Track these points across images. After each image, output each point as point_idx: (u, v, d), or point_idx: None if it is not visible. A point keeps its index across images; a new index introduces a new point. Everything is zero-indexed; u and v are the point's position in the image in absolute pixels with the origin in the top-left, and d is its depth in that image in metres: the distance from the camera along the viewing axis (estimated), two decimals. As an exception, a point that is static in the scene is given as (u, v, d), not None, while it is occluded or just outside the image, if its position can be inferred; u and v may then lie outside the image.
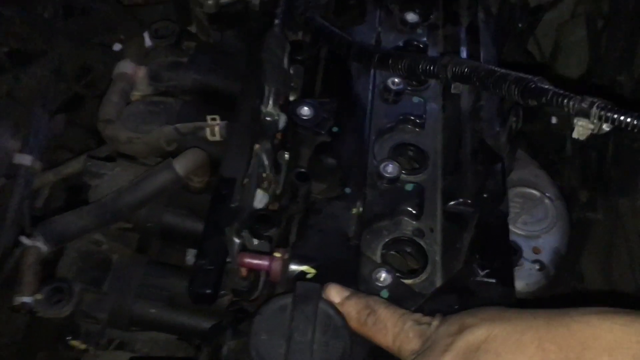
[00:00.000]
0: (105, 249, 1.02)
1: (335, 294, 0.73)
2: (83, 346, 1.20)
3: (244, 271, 0.90)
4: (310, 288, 0.74)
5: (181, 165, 1.01)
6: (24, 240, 0.95)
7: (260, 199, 0.97)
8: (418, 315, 0.68)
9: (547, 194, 1.17)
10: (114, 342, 1.19)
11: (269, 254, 0.85)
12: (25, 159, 1.17)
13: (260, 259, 0.84)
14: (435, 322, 0.65)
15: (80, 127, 1.44)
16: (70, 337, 1.19)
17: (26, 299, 0.91)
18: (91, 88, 1.41)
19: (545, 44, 1.69)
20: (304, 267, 0.81)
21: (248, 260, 0.85)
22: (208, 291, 0.87)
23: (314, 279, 0.80)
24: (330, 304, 0.73)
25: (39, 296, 0.92)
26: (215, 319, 0.97)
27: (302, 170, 0.93)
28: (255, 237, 0.90)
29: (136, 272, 1.00)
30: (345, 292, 0.73)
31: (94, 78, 1.39)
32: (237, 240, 0.90)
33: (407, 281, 0.84)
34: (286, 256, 0.83)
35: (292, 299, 0.73)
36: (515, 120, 0.89)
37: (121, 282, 0.99)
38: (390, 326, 0.68)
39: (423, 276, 0.84)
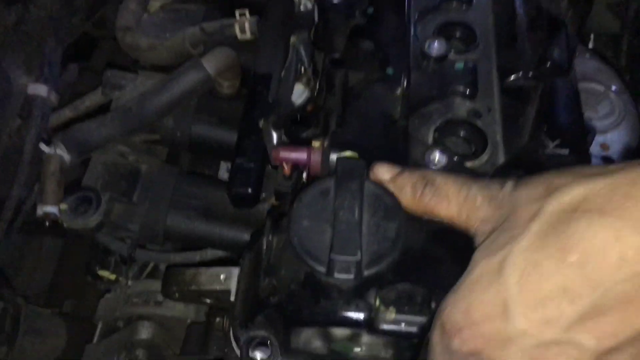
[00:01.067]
0: (132, 160, 0.94)
1: (384, 171, 0.64)
2: (113, 276, 1.14)
3: (286, 169, 0.82)
4: (354, 164, 0.66)
5: (210, 63, 0.92)
6: (44, 147, 0.87)
7: (300, 94, 0.88)
8: (484, 180, 0.58)
9: (612, 88, 1.06)
10: (146, 271, 1.13)
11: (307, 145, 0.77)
12: (40, 90, 1.09)
13: (297, 152, 0.77)
14: (509, 184, 0.55)
15: (93, 73, 1.37)
16: (98, 267, 1.14)
17: (50, 209, 0.83)
18: (103, 29, 1.33)
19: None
20: (346, 154, 0.74)
21: (284, 154, 0.77)
22: (249, 191, 0.79)
23: None
24: (378, 184, 0.65)
25: (63, 206, 0.84)
26: (255, 229, 0.90)
27: (336, 56, 0.84)
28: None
29: (167, 182, 0.92)
30: (396, 169, 0.64)
31: (105, 14, 1.31)
32: (274, 134, 0.82)
33: (466, 164, 0.75)
34: (326, 144, 0.75)
35: (334, 179, 0.65)
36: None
37: (152, 192, 0.91)
38: (452, 195, 0.58)
39: (483, 158, 0.74)
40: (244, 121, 0.84)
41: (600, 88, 1.07)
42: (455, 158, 0.74)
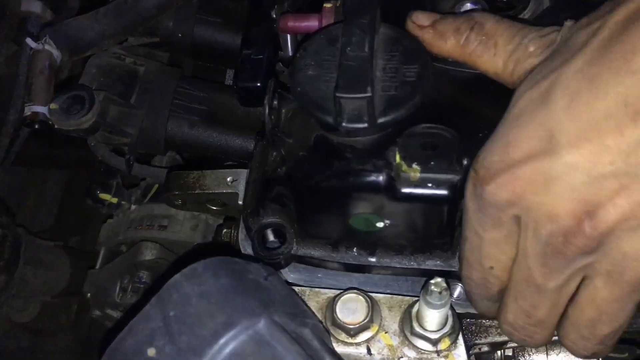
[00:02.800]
0: (129, 61, 0.85)
1: (423, 17, 0.56)
2: (114, 200, 1.08)
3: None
4: None
5: (213, -49, 0.83)
6: (31, 43, 0.79)
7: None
8: (541, 27, 0.49)
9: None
10: (150, 194, 1.06)
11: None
12: (33, 6, 1.00)
13: (307, 20, 0.68)
14: (567, 24, 0.47)
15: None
16: (99, 190, 1.07)
17: (38, 108, 0.75)
18: None
19: None
20: None
21: (293, 23, 0.69)
22: (257, 84, 0.71)
23: None
24: (396, 28, 0.58)
25: (54, 105, 0.76)
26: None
27: None
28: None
29: (168, 84, 0.84)
30: (437, 15, 0.56)
31: None
32: (290, 20, 0.73)
33: None
34: (338, 3, 0.66)
35: (344, 20, 0.57)
36: None
37: (151, 95, 0.83)
38: (502, 43, 0.50)
39: (526, 13, 0.65)
40: (252, 8, 0.76)
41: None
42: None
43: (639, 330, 0.61)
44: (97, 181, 1.08)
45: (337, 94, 0.52)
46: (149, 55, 0.92)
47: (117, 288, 1.00)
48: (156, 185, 1.05)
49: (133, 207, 1.07)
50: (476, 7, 0.62)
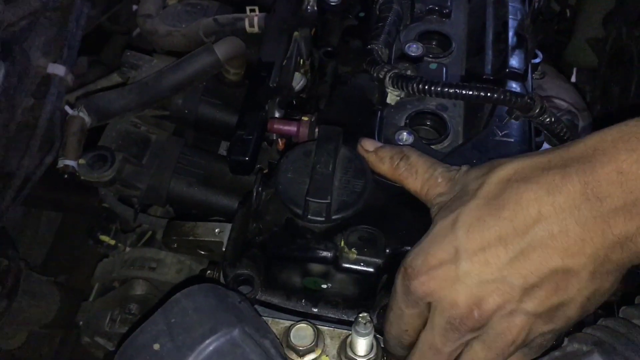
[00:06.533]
0: (143, 130, 1.05)
1: (370, 144, 0.78)
2: (112, 242, 1.23)
3: (281, 144, 0.94)
4: (332, 130, 0.79)
5: (221, 49, 1.04)
6: (68, 109, 0.98)
7: (298, 81, 1.00)
8: (448, 165, 0.71)
9: (575, 105, 1.20)
10: (143, 239, 1.22)
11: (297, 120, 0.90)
12: (58, 70, 1.17)
13: (289, 125, 0.90)
14: (463, 168, 0.69)
15: (103, 66, 1.45)
16: (100, 232, 1.23)
17: (69, 162, 0.94)
18: (116, 24, 1.44)
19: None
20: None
21: (277, 125, 0.90)
22: (246, 158, 0.90)
23: None
24: (352, 150, 0.78)
25: (82, 161, 0.95)
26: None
27: (329, 48, 0.97)
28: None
29: (174, 150, 1.04)
30: (379, 143, 0.78)
31: (120, 11, 1.41)
32: (278, 113, 0.94)
33: (431, 147, 0.87)
34: (313, 119, 0.87)
35: (316, 143, 0.78)
36: (539, 1, 0.91)
37: (159, 158, 1.03)
38: (421, 171, 0.71)
39: (445, 143, 0.88)
40: (247, 99, 0.95)
41: (563, 104, 1.20)
42: (422, 140, 0.87)
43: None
44: (99, 225, 1.25)
45: (307, 198, 0.73)
46: (159, 124, 1.11)
47: (108, 319, 1.13)
48: (150, 232, 1.23)
49: (127, 249, 1.23)
50: (410, 135, 0.84)
